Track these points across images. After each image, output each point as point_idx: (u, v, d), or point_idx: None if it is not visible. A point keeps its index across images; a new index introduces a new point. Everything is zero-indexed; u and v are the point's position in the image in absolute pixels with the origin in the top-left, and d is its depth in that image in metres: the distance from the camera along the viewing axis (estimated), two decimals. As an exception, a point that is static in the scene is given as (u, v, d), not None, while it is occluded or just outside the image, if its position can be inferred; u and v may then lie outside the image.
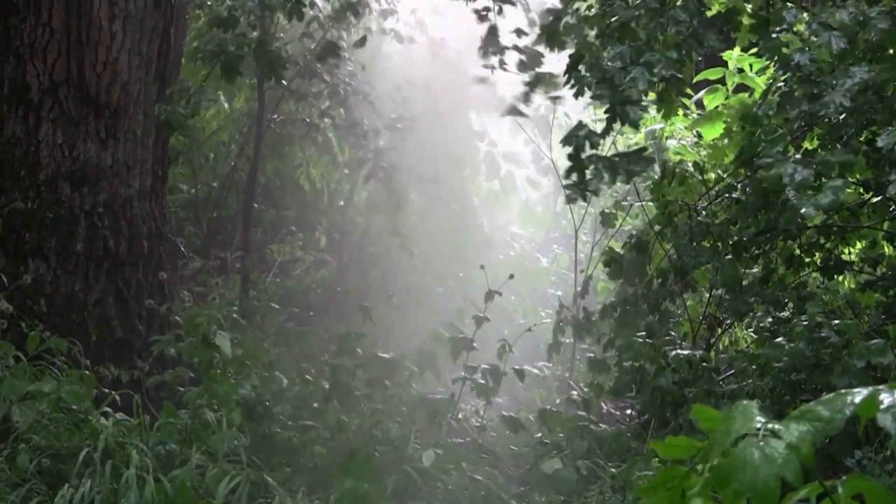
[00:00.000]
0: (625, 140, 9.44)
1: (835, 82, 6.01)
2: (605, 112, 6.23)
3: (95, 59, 7.62)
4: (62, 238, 7.55)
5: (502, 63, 8.27)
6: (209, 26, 8.55)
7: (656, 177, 8.55)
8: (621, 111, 6.07)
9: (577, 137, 6.27)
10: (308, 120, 11.31)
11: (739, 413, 1.98)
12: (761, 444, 1.90)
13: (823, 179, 6.15)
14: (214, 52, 7.93)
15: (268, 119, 10.78)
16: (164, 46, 8.00)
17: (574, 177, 6.31)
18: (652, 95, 6.84)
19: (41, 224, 7.53)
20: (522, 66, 7.40)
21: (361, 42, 10.32)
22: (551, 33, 6.93)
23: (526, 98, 7.17)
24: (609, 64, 6.14)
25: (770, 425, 1.92)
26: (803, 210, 5.88)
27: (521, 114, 7.41)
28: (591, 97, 6.29)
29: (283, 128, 11.60)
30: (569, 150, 6.33)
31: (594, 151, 6.27)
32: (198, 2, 9.71)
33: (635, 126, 6.37)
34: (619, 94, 6.03)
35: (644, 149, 6.38)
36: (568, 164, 6.40)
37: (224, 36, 7.96)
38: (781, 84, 6.77)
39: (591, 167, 6.22)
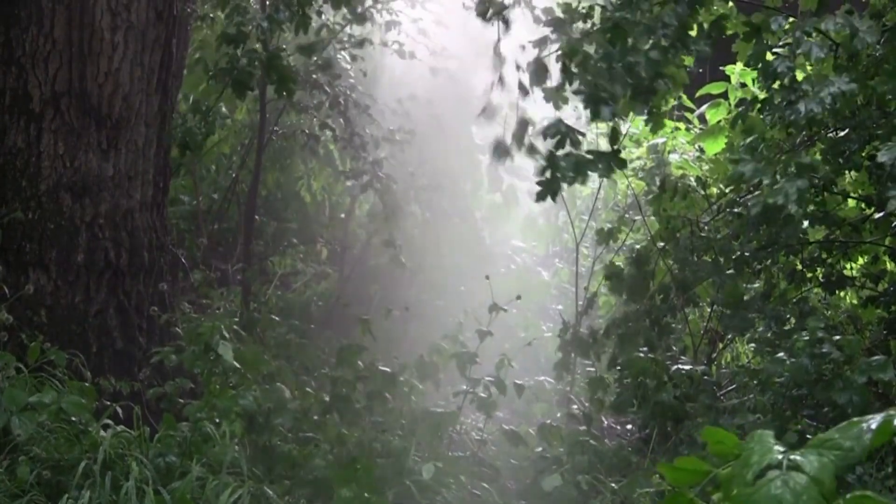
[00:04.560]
0: (626, 154, 9.44)
1: (811, 90, 6.03)
2: (585, 107, 6.24)
3: (97, 70, 7.62)
4: (63, 249, 7.54)
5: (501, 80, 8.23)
6: (219, 43, 8.55)
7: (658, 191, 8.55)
8: (594, 108, 6.07)
9: (558, 131, 6.26)
10: (308, 131, 11.30)
11: (757, 442, 1.96)
12: (785, 477, 1.88)
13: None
14: (226, 70, 7.92)
15: (269, 131, 10.77)
16: (165, 58, 8.00)
17: (547, 174, 6.29)
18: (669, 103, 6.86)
19: (42, 235, 7.52)
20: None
21: (360, 44, 10.29)
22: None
23: (519, 138, 7.09)
24: (597, 64, 6.13)
25: (792, 457, 1.90)
26: (753, 209, 5.90)
27: (507, 153, 7.27)
28: (573, 93, 6.29)
29: (284, 140, 11.59)
30: (550, 145, 6.33)
31: (570, 149, 6.26)
32: (200, 14, 9.71)
33: (609, 122, 6.36)
34: (597, 90, 6.03)
35: (619, 151, 6.37)
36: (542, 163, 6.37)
37: (234, 53, 7.96)
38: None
39: (562, 164, 6.19)
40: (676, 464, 2.09)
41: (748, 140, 6.97)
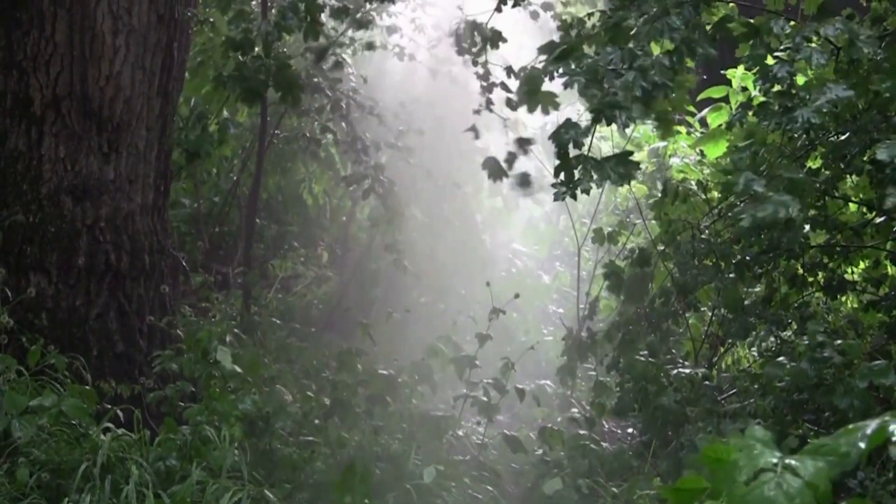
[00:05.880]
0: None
1: (808, 97, 6.00)
2: (591, 112, 6.12)
3: (98, 74, 7.62)
4: (64, 252, 7.53)
5: (489, 103, 8.27)
6: (223, 49, 8.55)
7: (659, 195, 8.55)
8: (609, 114, 5.98)
9: (564, 135, 6.19)
10: (309, 135, 11.31)
11: (753, 445, 1.95)
12: (779, 480, 1.87)
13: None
14: (236, 78, 7.91)
15: (270, 134, 10.78)
16: (167, 61, 8.00)
17: (562, 176, 6.23)
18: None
19: (43, 238, 7.51)
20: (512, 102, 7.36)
21: (370, 46, 10.28)
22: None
23: (511, 160, 7.07)
24: (600, 65, 6.04)
25: (787, 461, 1.89)
26: (742, 222, 5.89)
27: (503, 174, 7.23)
28: (580, 94, 6.19)
29: (285, 143, 11.60)
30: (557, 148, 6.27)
31: (580, 152, 6.18)
32: (202, 18, 9.72)
33: (625, 127, 6.27)
34: (611, 95, 5.95)
35: (630, 153, 6.29)
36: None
37: (242, 60, 7.94)
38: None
39: (580, 167, 6.11)
40: (679, 484, 2.08)
41: (745, 144, 6.94)
